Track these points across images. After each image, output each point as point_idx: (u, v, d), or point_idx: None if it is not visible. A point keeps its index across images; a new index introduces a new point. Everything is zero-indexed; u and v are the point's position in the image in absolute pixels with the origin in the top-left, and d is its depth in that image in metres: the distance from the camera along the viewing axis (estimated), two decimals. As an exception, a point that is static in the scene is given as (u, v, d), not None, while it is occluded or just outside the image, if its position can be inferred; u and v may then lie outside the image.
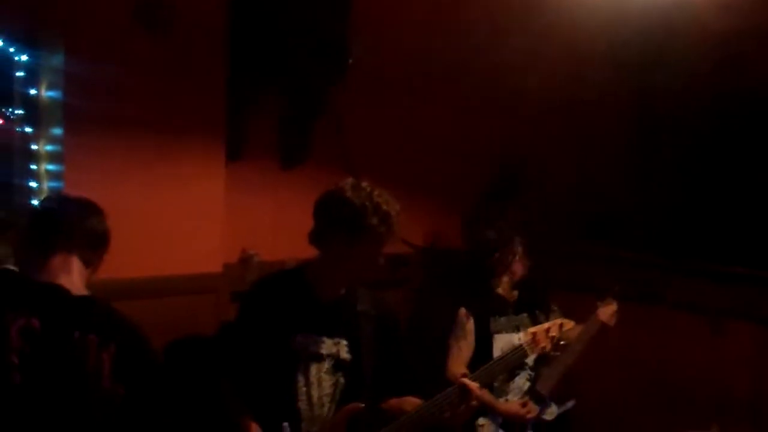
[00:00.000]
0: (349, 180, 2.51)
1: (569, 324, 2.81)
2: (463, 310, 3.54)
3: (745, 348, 4.12)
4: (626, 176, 5.13)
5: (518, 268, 3.62)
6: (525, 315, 3.60)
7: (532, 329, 2.68)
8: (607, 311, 3.54)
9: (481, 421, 3.43)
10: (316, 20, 4.18)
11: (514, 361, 2.65)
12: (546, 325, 2.72)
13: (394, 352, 2.67)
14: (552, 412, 3.48)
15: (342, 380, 2.55)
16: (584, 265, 4.75)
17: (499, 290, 3.64)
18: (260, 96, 4.12)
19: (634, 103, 5.24)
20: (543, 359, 3.54)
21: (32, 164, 3.66)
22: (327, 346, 2.54)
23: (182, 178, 3.79)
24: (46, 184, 3.67)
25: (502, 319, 3.52)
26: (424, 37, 4.62)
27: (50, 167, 3.65)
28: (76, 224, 2.12)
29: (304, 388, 2.51)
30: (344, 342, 2.55)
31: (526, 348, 2.63)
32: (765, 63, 4.50)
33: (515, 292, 3.65)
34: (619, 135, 5.28)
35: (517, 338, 3.34)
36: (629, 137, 5.26)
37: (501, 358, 2.82)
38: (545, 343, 2.68)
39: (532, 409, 3.41)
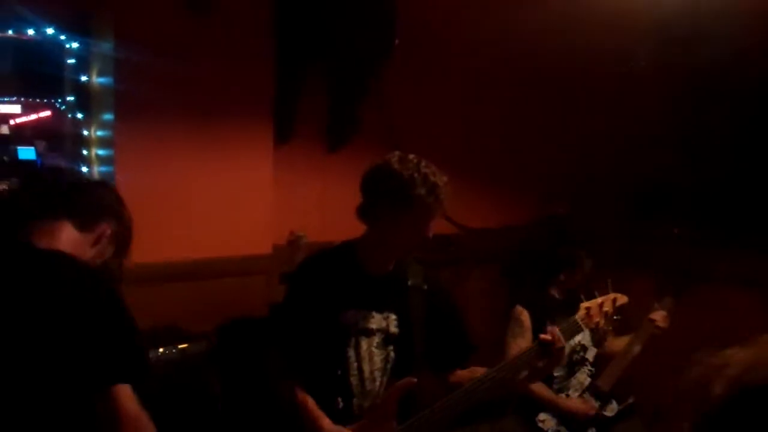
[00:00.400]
0: (396, 153, 2.50)
1: (623, 298, 2.74)
2: (519, 308, 3.51)
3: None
4: (676, 152, 5.03)
5: (577, 280, 3.60)
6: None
7: (585, 304, 2.62)
8: (661, 313, 3.48)
9: (542, 416, 3.41)
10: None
11: (570, 333, 2.58)
12: (599, 299, 2.66)
13: (449, 325, 2.65)
14: (613, 408, 3.44)
15: (393, 354, 2.55)
16: (637, 244, 4.69)
17: (553, 292, 3.63)
18: (307, 78, 4.13)
19: (683, 78, 5.14)
20: (602, 357, 3.53)
21: (83, 149, 3.73)
22: (376, 320, 2.54)
23: (232, 161, 3.82)
24: (97, 169, 3.74)
25: (558, 318, 3.49)
26: (471, 14, 4.57)
27: (101, 152, 3.72)
28: (60, 193, 2.02)
29: (355, 363, 2.51)
30: (393, 316, 2.55)
31: (580, 322, 2.59)
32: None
33: (568, 294, 3.62)
34: (669, 111, 5.19)
35: (574, 340, 3.30)
36: (679, 112, 5.17)
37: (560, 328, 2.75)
38: (599, 318, 2.63)
39: (593, 406, 3.39)
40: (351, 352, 2.52)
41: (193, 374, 3.20)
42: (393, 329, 2.54)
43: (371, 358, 2.54)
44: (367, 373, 2.53)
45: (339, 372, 2.51)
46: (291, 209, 4.14)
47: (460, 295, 3.94)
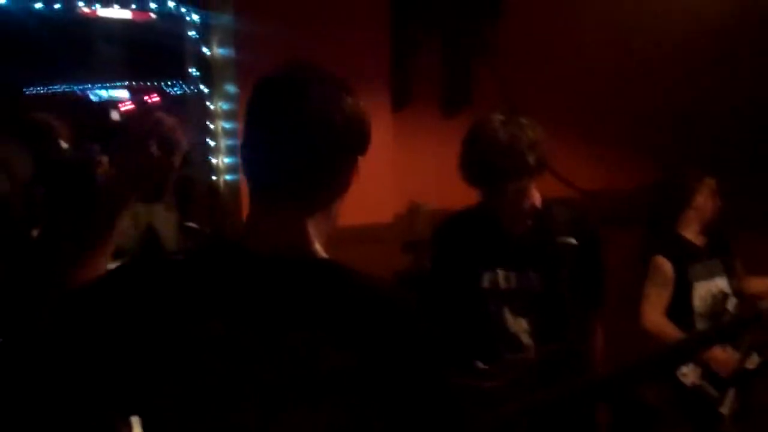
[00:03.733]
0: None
1: None
2: (660, 258, 3.36)
3: None
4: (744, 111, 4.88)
5: (708, 207, 3.40)
6: (718, 260, 3.39)
7: None
8: None
9: (684, 370, 3.28)
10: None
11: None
12: None
13: (596, 278, 2.56)
14: (754, 360, 3.27)
15: (539, 315, 2.48)
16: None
17: (688, 235, 3.45)
18: (422, 44, 4.10)
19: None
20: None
21: (209, 122, 3.78)
22: (518, 280, 2.47)
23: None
24: (223, 142, 3.79)
25: (698, 266, 3.32)
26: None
27: (226, 125, 3.77)
28: None
29: (499, 325, 2.45)
30: (537, 275, 2.47)
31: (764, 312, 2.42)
32: None
33: (703, 238, 3.44)
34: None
35: (715, 286, 3.16)
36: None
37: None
38: None
39: (735, 357, 3.24)
40: (494, 315, 2.46)
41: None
42: (537, 289, 2.46)
43: (516, 319, 2.47)
44: (512, 335, 2.47)
45: (483, 335, 2.46)
46: (410, 176, 4.12)
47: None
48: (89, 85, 8.57)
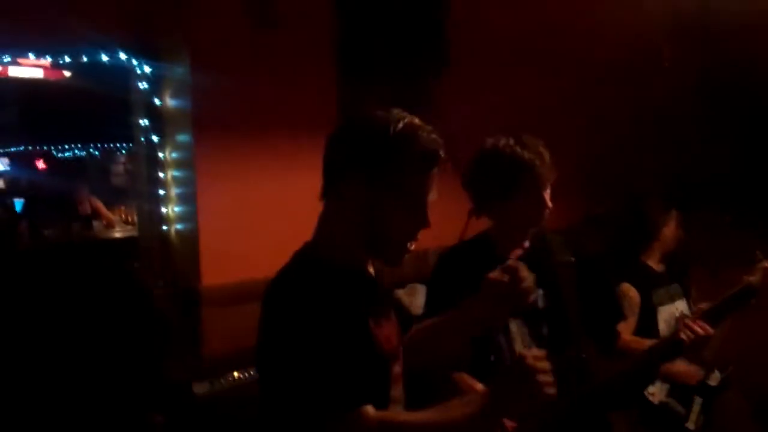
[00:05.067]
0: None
1: None
2: (626, 285, 3.51)
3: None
4: (710, 141, 5.13)
5: (672, 238, 3.58)
6: (677, 284, 3.57)
7: (766, 263, 2.54)
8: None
9: (651, 389, 3.40)
10: (416, 15, 4.26)
11: (741, 302, 2.54)
12: None
13: (601, 292, 2.64)
14: (716, 377, 3.43)
15: (545, 330, 2.53)
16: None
17: (651, 263, 3.62)
18: (366, 94, 4.20)
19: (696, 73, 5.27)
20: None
21: (159, 172, 3.76)
22: None
23: (305, 177, 3.83)
24: (174, 191, 3.76)
25: (660, 291, 3.49)
26: (522, 26, 4.65)
27: (176, 174, 3.75)
28: None
29: (507, 346, 2.49)
30: (540, 291, 2.51)
31: (754, 285, 2.52)
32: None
33: (662, 265, 3.62)
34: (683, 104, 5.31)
35: (676, 309, 3.33)
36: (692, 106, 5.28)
37: (728, 296, 2.65)
38: None
39: (699, 372, 3.38)
40: (501, 337, 2.51)
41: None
42: (540, 304, 2.51)
43: (522, 337, 2.52)
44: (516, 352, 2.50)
45: (492, 358, 2.49)
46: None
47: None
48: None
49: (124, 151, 8.05)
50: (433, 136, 1.62)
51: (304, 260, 1.63)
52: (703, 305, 2.63)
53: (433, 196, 1.63)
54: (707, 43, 5.05)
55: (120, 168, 8.36)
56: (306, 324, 1.44)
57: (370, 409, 1.45)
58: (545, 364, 1.50)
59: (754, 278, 2.52)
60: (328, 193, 1.68)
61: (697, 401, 3.30)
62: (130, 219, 6.50)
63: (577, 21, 4.66)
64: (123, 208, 6.89)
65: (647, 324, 3.35)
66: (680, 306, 3.44)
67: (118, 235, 5.88)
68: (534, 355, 1.51)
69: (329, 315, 1.46)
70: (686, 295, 3.44)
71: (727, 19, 4.68)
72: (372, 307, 1.64)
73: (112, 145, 8.03)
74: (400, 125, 1.59)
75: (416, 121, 1.63)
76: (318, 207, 3.76)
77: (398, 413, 1.58)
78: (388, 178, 1.57)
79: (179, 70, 3.62)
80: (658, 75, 5.11)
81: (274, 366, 1.53)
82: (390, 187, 1.58)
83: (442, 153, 1.61)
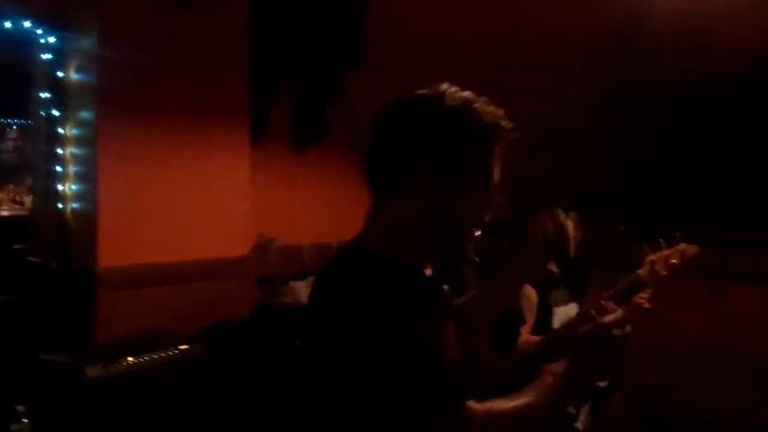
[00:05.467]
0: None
1: (692, 249, 2.65)
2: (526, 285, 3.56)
3: (746, 310, 4.28)
4: (607, 152, 5.26)
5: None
6: (571, 288, 3.64)
7: (651, 257, 2.56)
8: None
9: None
10: (333, 8, 4.24)
11: (632, 290, 2.56)
12: (666, 251, 2.59)
13: None
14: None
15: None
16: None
17: (549, 265, 3.66)
18: (280, 82, 4.15)
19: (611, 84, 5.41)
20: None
21: (58, 148, 3.61)
22: None
23: (210, 162, 3.79)
24: (72, 168, 3.62)
25: (557, 292, 3.56)
26: (441, 24, 4.67)
27: (76, 151, 3.60)
28: None
29: None
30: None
31: (643, 277, 2.55)
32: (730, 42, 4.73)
33: (559, 268, 3.69)
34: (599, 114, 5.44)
35: (572, 310, 3.40)
36: (608, 115, 5.42)
37: (621, 286, 2.66)
38: (665, 272, 2.56)
39: None
40: None
41: (193, 375, 3.14)
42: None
43: None
44: None
45: None
46: (265, 211, 4.12)
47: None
48: None
49: (14, 127, 7.76)
50: (491, 107, 1.50)
51: (367, 261, 1.43)
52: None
53: (497, 173, 1.52)
54: (621, 61, 5.19)
55: (9, 144, 8.06)
56: (394, 325, 1.31)
57: (472, 403, 1.37)
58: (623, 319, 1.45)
59: (642, 271, 2.57)
60: (383, 186, 1.48)
61: (587, 402, 3.40)
62: (18, 198, 6.31)
63: (497, 18, 4.71)
64: (12, 186, 6.67)
65: (543, 324, 3.43)
66: (574, 309, 3.53)
67: (4, 213, 5.60)
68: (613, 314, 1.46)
69: (413, 315, 1.34)
70: (579, 299, 3.53)
71: (643, 38, 4.85)
72: (439, 307, 1.54)
73: (2, 120, 7.69)
74: (458, 103, 1.47)
75: (469, 94, 1.51)
76: (223, 194, 3.68)
77: (496, 403, 1.50)
78: (455, 162, 1.43)
79: (86, 43, 3.48)
80: (570, 85, 5.22)
81: (363, 371, 1.32)
82: (457, 173, 1.44)
83: (505, 124, 1.49)
